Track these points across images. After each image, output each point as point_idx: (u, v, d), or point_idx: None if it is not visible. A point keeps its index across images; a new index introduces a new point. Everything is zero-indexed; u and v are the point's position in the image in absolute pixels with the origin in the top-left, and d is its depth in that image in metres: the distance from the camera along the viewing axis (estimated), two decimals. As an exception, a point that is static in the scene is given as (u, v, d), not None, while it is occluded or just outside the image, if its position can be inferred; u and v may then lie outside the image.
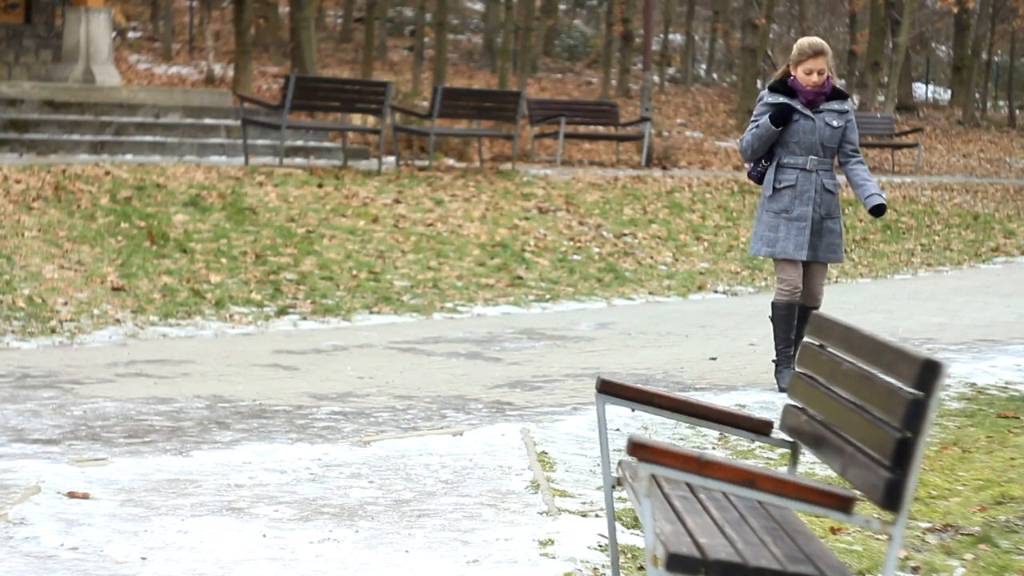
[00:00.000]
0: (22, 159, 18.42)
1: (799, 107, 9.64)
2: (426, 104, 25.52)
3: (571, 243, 17.97)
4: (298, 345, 12.08)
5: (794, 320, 9.75)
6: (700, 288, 16.57)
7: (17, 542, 5.96)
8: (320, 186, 18.50)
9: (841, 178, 11.97)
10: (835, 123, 9.69)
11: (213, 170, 18.55)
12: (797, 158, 9.69)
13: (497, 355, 11.76)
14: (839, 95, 9.77)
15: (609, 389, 5.21)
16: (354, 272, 15.36)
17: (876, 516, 4.27)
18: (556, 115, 25.32)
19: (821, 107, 9.68)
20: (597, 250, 17.87)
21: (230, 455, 7.77)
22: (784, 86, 9.71)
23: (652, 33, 29.14)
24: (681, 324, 13.72)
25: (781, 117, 9.61)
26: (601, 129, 27.21)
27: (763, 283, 17.30)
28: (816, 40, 9.75)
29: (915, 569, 5.91)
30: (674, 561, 4.01)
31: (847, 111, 9.77)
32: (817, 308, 9.74)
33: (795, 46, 9.81)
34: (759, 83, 37.08)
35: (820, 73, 9.61)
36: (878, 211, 9.63)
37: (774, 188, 9.74)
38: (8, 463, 7.38)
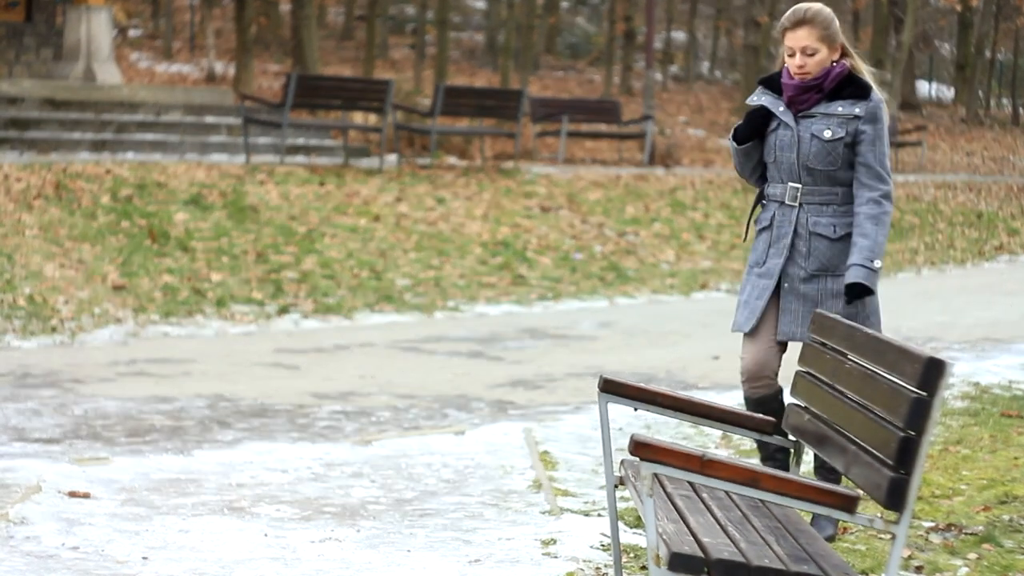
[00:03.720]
0: (23, 157, 18.40)
1: (779, 111, 6.24)
2: (428, 102, 25.49)
3: (573, 242, 17.95)
4: (299, 344, 12.06)
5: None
6: (703, 287, 16.55)
7: (18, 541, 5.94)
8: (321, 184, 18.49)
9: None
10: (827, 134, 6.12)
11: (214, 168, 18.54)
12: (776, 187, 6.33)
13: (499, 354, 11.74)
14: (853, 91, 6.18)
15: (611, 388, 5.20)
16: (355, 271, 15.34)
17: (879, 515, 4.25)
18: (558, 113, 25.28)
19: (814, 110, 6.19)
20: (599, 249, 17.84)
21: (231, 454, 7.76)
22: (776, 79, 6.32)
23: (654, 31, 29.12)
24: (684, 323, 13.70)
25: (748, 127, 6.32)
26: (603, 127, 27.17)
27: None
28: (802, 5, 6.24)
29: (919, 568, 5.90)
30: (677, 560, 3.99)
31: (859, 116, 6.14)
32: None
33: None
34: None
35: (807, 53, 6.13)
36: (851, 291, 6.08)
37: (749, 229, 6.68)
38: (9, 462, 7.37)
